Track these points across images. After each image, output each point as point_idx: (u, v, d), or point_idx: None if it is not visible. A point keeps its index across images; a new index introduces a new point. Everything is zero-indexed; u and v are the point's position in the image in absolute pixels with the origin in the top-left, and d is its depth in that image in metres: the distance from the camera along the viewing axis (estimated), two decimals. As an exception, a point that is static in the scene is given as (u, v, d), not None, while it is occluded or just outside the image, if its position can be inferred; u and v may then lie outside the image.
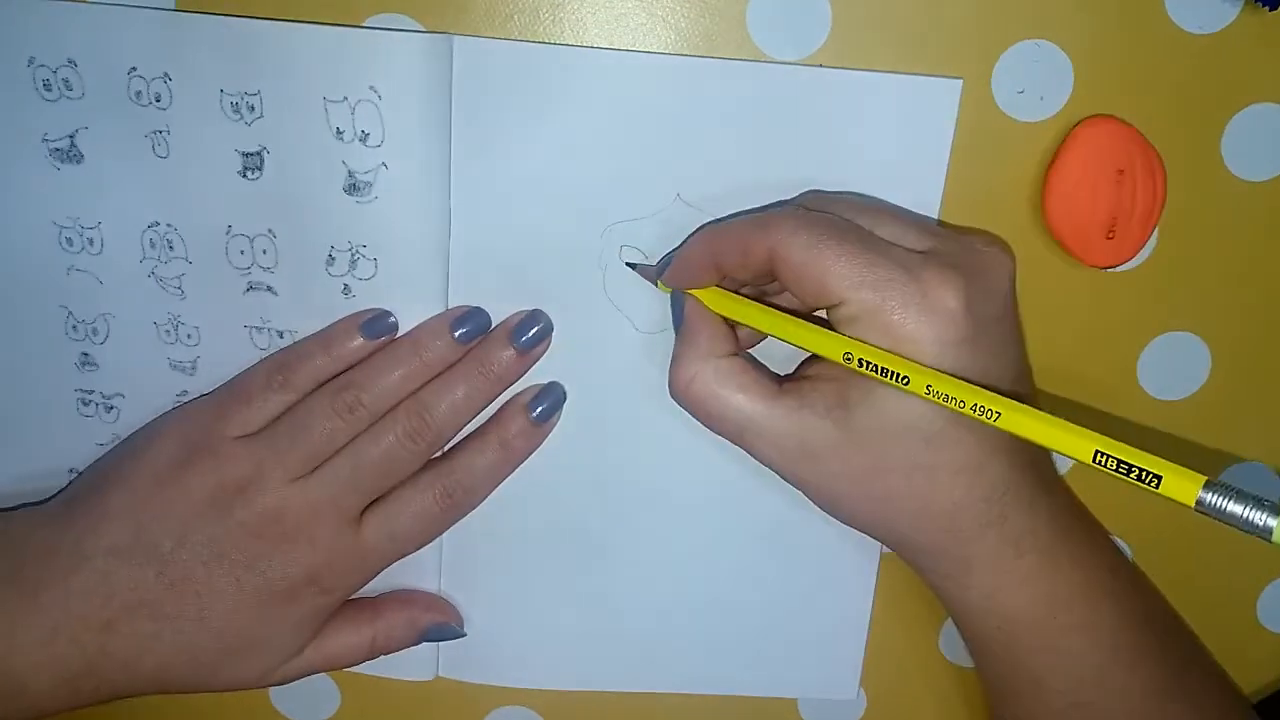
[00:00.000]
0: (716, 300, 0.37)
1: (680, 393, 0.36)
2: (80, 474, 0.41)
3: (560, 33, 0.38)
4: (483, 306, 0.39)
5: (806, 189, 0.38)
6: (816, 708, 0.46)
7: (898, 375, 0.32)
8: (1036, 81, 0.38)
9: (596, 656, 0.45)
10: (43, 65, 0.37)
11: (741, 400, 0.35)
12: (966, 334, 0.32)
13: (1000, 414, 0.31)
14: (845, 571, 0.43)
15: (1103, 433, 0.42)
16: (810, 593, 0.44)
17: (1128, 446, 0.30)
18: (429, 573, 0.43)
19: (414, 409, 0.38)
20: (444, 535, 0.42)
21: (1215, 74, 0.39)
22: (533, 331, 0.39)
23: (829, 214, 0.35)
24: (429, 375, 0.39)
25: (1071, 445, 0.30)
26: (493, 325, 0.40)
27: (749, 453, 0.36)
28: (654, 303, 0.40)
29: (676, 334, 0.37)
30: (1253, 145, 0.40)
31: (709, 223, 0.39)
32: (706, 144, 0.38)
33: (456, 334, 0.39)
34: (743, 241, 0.34)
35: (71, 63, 0.37)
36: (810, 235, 0.33)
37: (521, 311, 0.40)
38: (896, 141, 0.38)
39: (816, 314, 0.37)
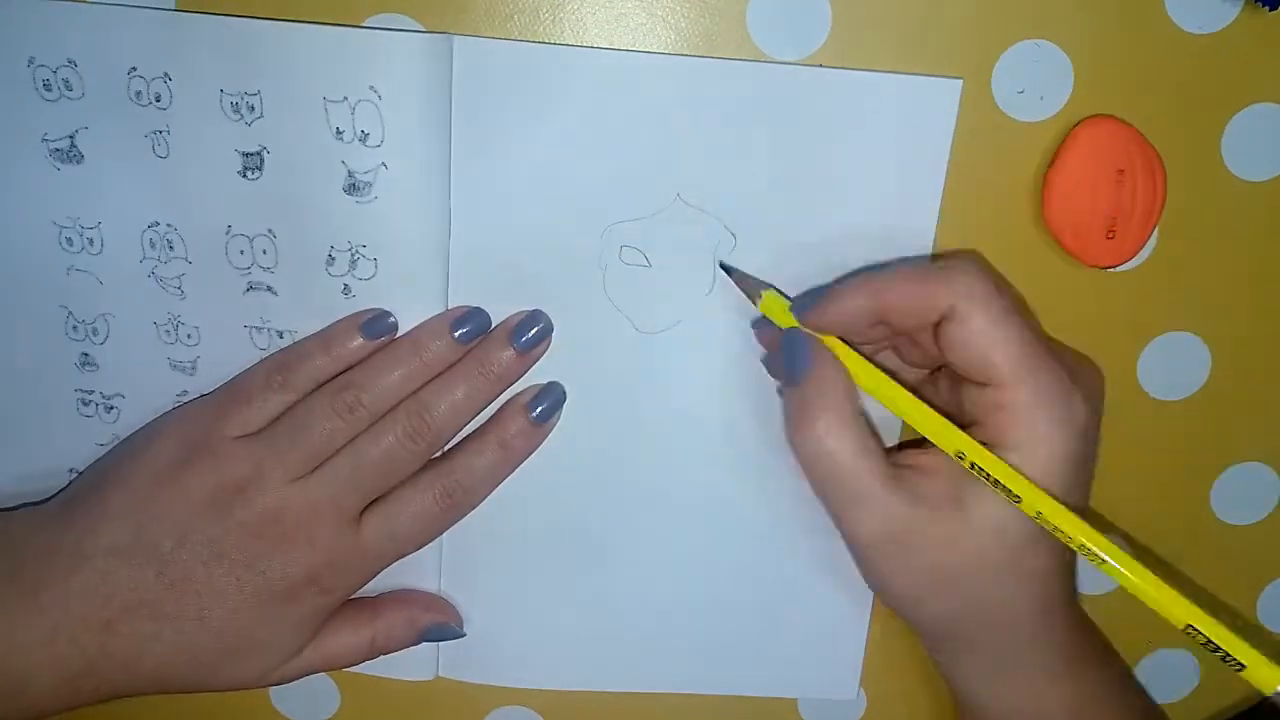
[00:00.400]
0: (840, 352, 0.36)
1: (811, 443, 0.35)
2: (80, 474, 0.41)
3: (560, 33, 0.38)
4: (483, 306, 0.39)
5: (806, 188, 0.38)
6: (817, 708, 0.46)
7: (1010, 491, 0.33)
8: (1036, 81, 0.38)
9: (596, 656, 0.45)
10: (43, 65, 0.37)
11: (863, 471, 0.34)
12: (1084, 452, 0.33)
13: (1106, 559, 0.32)
14: (845, 571, 0.43)
15: (1102, 431, 0.43)
16: (810, 593, 0.44)
17: (1221, 627, 0.31)
18: (429, 573, 0.43)
19: (414, 409, 0.38)
20: (444, 535, 0.42)
21: (1215, 74, 0.39)
22: (533, 332, 0.39)
23: (1004, 286, 0.35)
24: (429, 375, 0.39)
25: (1168, 609, 0.32)
26: (492, 325, 0.40)
27: (835, 516, 0.36)
28: (654, 303, 0.40)
29: (796, 377, 0.36)
30: (1253, 145, 0.40)
31: (864, 268, 0.39)
32: (706, 144, 0.38)
33: (456, 334, 0.39)
34: (924, 293, 0.34)
35: (71, 63, 0.37)
36: (1000, 307, 0.33)
37: (522, 311, 0.40)
38: (896, 141, 0.38)
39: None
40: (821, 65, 0.38)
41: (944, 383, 0.38)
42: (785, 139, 0.38)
